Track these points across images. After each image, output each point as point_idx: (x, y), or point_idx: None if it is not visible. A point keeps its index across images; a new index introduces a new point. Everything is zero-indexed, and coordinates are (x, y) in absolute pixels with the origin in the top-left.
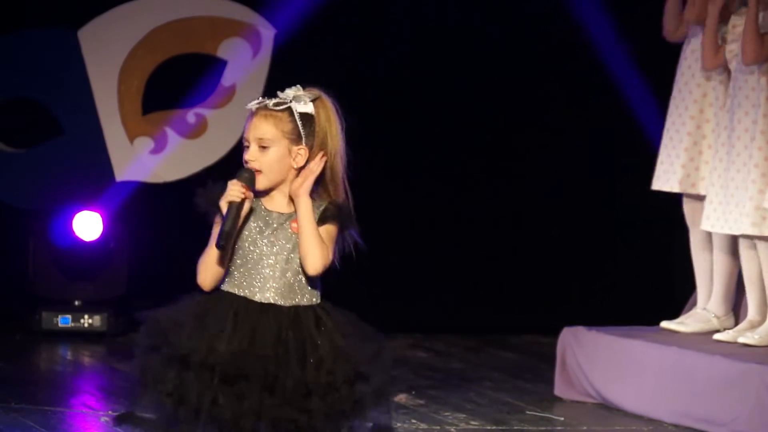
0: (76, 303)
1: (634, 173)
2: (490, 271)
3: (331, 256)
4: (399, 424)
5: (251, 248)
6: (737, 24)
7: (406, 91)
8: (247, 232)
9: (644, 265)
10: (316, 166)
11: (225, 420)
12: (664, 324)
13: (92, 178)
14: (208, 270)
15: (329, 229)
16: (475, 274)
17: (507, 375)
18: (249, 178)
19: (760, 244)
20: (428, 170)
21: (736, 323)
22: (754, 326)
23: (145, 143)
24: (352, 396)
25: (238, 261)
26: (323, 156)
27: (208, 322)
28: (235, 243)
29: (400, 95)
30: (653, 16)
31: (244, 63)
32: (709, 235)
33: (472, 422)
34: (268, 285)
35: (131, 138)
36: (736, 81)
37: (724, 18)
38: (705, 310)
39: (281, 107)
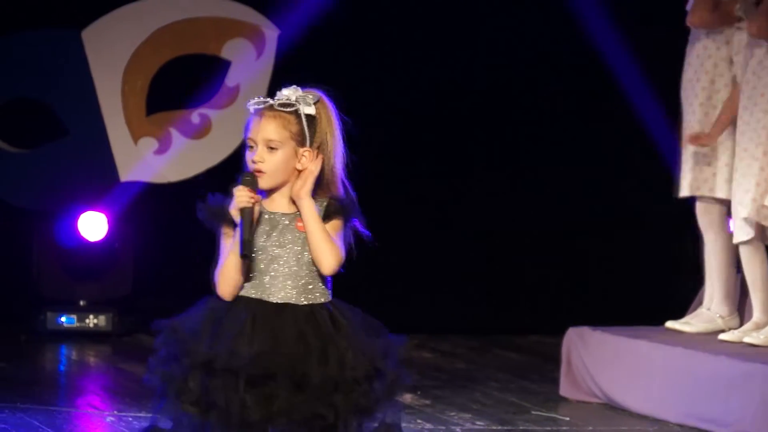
0: (81, 303)
1: (641, 175)
2: (495, 272)
3: (343, 253)
4: (405, 424)
5: (260, 251)
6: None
7: (409, 91)
8: (258, 237)
9: (649, 266)
10: (315, 167)
11: (256, 422)
12: (669, 324)
13: (96, 179)
14: (229, 281)
15: (335, 225)
16: (480, 275)
17: (512, 375)
18: (252, 181)
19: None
20: (433, 171)
21: (741, 324)
22: (759, 327)
23: (149, 144)
24: (372, 392)
25: (252, 264)
26: (320, 156)
27: (226, 327)
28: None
29: (403, 96)
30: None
31: (248, 64)
32: (719, 236)
33: (478, 422)
34: (281, 285)
35: (135, 138)
36: (746, 84)
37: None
38: (709, 310)
39: (288, 109)
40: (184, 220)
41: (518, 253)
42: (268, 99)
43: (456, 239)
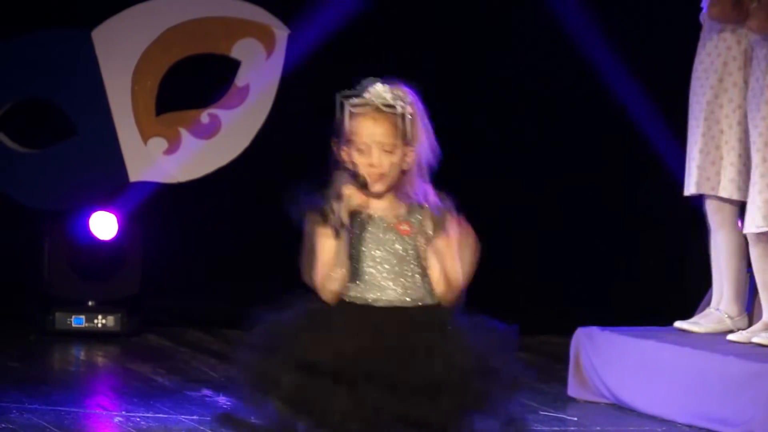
0: (90, 303)
1: (648, 173)
2: (502, 272)
3: (460, 269)
4: None
5: (363, 253)
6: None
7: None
8: (358, 239)
9: (657, 266)
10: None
11: (355, 425)
12: (678, 324)
13: (106, 179)
14: (333, 281)
15: (448, 247)
16: (487, 275)
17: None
18: (362, 183)
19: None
20: (438, 171)
21: (751, 324)
22: None
23: (158, 144)
24: (485, 390)
25: (354, 267)
26: (415, 153)
27: (326, 328)
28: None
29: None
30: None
31: (259, 64)
32: (726, 235)
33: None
34: (386, 288)
35: (145, 138)
36: (753, 89)
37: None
38: (718, 310)
39: (392, 110)
40: (193, 221)
41: (527, 252)
42: (366, 98)
43: None
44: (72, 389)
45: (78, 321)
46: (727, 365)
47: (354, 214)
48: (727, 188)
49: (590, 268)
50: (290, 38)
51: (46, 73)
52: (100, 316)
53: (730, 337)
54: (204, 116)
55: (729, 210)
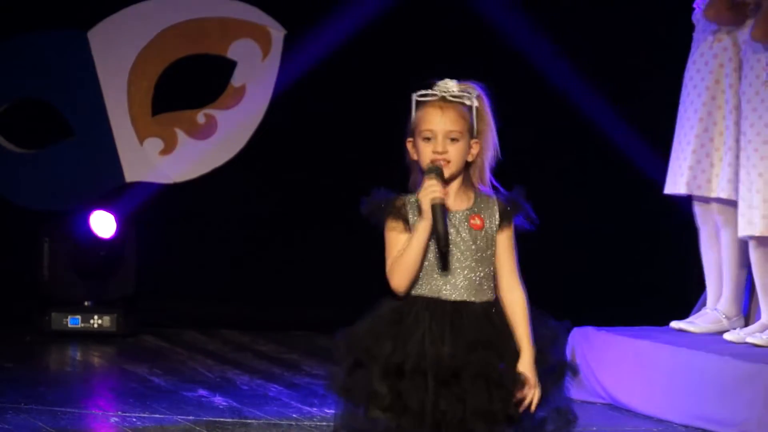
0: (86, 304)
1: (645, 175)
2: None
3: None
4: None
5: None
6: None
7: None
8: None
9: (654, 266)
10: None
11: (450, 422)
12: (674, 324)
13: (102, 179)
14: (407, 274)
15: (510, 235)
16: None
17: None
18: (440, 174)
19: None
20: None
21: (747, 325)
22: (765, 328)
23: (154, 144)
24: (543, 384)
25: (426, 263)
26: (481, 147)
27: (407, 328)
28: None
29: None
30: None
31: (254, 64)
32: (717, 234)
33: None
34: (457, 284)
35: (141, 139)
36: (746, 86)
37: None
38: (715, 310)
39: (459, 101)
40: (189, 221)
41: (524, 252)
42: (435, 91)
43: None
44: (68, 390)
45: (74, 321)
46: (723, 365)
47: (436, 204)
48: (726, 189)
49: (586, 268)
50: (287, 39)
51: (42, 73)
52: (96, 317)
53: (726, 336)
54: (200, 117)
55: (732, 211)
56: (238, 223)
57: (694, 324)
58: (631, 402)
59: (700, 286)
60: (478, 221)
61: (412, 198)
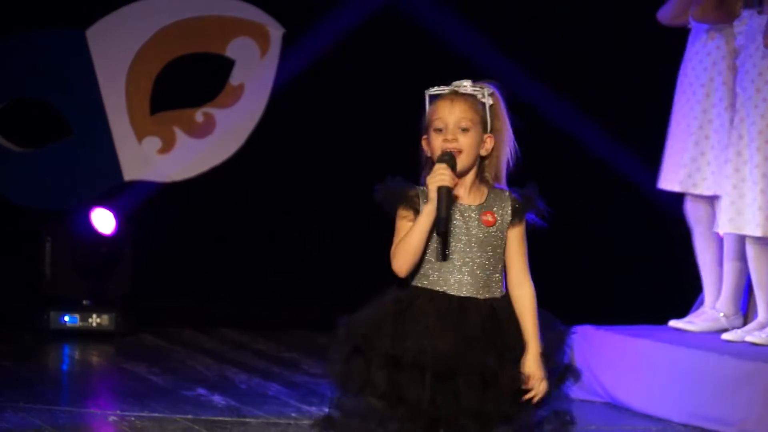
0: (84, 303)
1: (642, 172)
2: None
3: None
4: None
5: (446, 241)
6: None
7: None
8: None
9: (652, 264)
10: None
11: (444, 418)
12: (673, 323)
13: (100, 178)
14: (409, 256)
15: (522, 231)
16: None
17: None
18: (451, 162)
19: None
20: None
21: (745, 323)
22: (763, 326)
23: (153, 143)
24: (549, 386)
25: (432, 258)
26: (496, 142)
27: (410, 320)
28: (428, 239)
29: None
30: None
31: (253, 63)
32: (711, 233)
33: None
34: (463, 279)
35: (139, 137)
36: (741, 82)
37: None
38: (714, 309)
39: (470, 93)
40: (187, 220)
41: None
42: (446, 87)
43: None
44: (66, 388)
45: (72, 320)
46: (721, 364)
47: (442, 188)
48: (723, 186)
49: (585, 266)
50: (285, 37)
51: (40, 72)
52: (94, 315)
53: (724, 336)
54: (198, 115)
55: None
56: (236, 222)
57: (692, 323)
58: (629, 401)
59: (698, 285)
60: (490, 217)
61: (426, 189)
